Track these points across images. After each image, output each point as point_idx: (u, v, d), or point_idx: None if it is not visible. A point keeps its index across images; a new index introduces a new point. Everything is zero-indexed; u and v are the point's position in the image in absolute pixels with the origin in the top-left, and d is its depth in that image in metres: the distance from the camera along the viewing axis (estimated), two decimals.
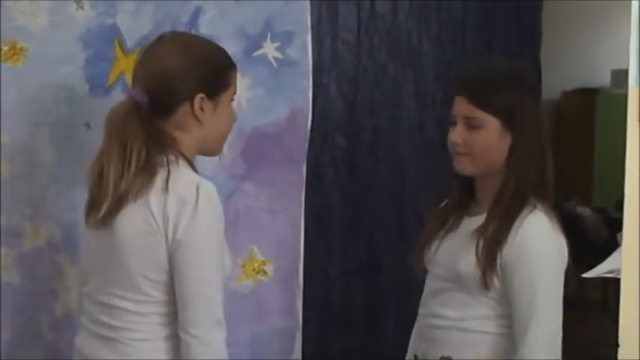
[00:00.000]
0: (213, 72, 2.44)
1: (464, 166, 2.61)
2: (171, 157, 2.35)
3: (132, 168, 2.30)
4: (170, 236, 2.29)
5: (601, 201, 8.62)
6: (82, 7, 2.82)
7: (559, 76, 8.75)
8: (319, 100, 3.86)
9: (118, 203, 2.31)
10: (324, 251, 4.09)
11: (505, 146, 2.56)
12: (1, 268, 2.79)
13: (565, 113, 9.58)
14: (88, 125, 2.81)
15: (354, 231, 4.19)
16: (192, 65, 2.40)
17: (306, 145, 3.20)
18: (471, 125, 2.56)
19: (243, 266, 3.13)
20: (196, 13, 2.99)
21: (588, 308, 7.15)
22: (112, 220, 2.33)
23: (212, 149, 2.54)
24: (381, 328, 4.22)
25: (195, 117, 2.41)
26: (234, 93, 2.53)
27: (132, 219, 2.32)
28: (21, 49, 2.75)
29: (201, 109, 2.41)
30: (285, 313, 3.23)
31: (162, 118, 2.39)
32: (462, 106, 2.58)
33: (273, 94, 3.12)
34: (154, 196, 2.30)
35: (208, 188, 2.33)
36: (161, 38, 2.47)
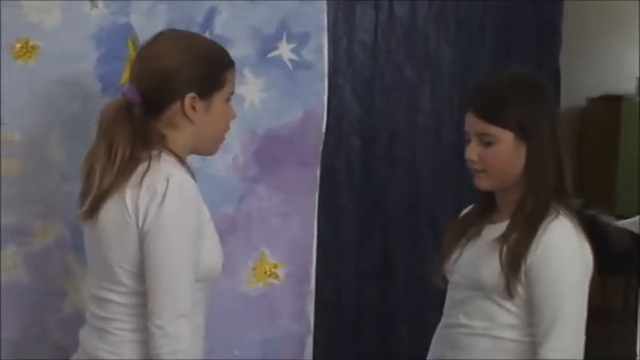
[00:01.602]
0: (206, 71, 2.43)
1: (482, 183, 2.60)
2: (154, 152, 2.37)
3: (116, 165, 2.34)
4: (140, 226, 2.32)
5: (624, 209, 8.56)
6: (95, 6, 2.81)
7: (584, 83, 8.72)
8: (334, 103, 3.84)
9: (100, 198, 2.36)
10: (336, 255, 4.08)
11: (521, 157, 2.55)
12: (0, 267, 2.79)
13: (590, 120, 9.54)
14: None
15: (368, 235, 4.17)
16: (186, 63, 2.40)
17: (321, 147, 3.18)
18: (485, 141, 2.55)
19: (254, 269, 3.12)
20: (211, 13, 2.97)
21: (610, 317, 7.11)
22: (96, 215, 2.38)
23: (206, 148, 2.55)
24: (393, 333, 4.19)
25: (186, 116, 2.41)
26: (232, 92, 2.52)
27: (110, 213, 2.35)
28: (33, 46, 2.74)
29: (193, 108, 2.41)
30: (296, 317, 3.21)
31: (154, 116, 2.41)
32: (473, 123, 2.58)
33: (288, 95, 3.09)
34: (129, 189, 2.33)
35: (179, 181, 2.34)
36: (158, 35, 2.48)
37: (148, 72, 2.40)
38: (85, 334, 2.50)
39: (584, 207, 7.38)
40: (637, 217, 6.86)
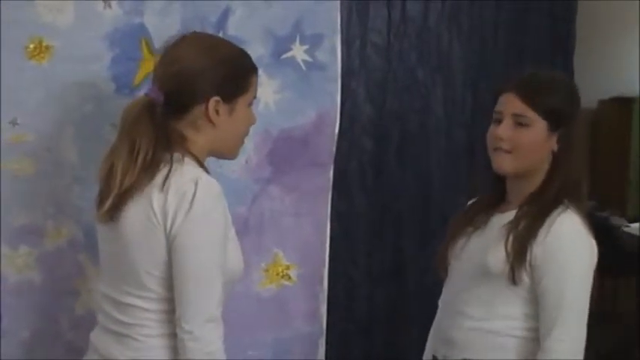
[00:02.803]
0: (231, 75, 2.42)
1: (504, 164, 2.61)
2: (177, 155, 2.36)
3: (138, 165, 2.31)
4: (168, 230, 2.29)
5: (636, 210, 8.54)
6: (109, 6, 2.80)
7: (595, 84, 8.69)
8: (347, 104, 3.84)
9: (122, 198, 2.32)
10: (349, 256, 4.07)
11: (548, 149, 2.59)
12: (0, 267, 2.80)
13: (601, 122, 9.51)
14: (113, 125, 2.77)
15: (380, 236, 4.16)
16: (211, 66, 2.38)
17: (334, 149, 3.18)
18: (519, 123, 2.57)
19: (267, 270, 3.11)
20: (225, 14, 2.97)
21: (623, 318, 7.09)
22: (117, 216, 2.35)
23: (227, 152, 2.53)
24: (405, 334, 4.18)
25: (209, 119, 2.40)
26: (254, 97, 2.51)
27: (135, 214, 2.32)
28: (47, 47, 2.74)
29: (217, 111, 2.40)
30: (309, 318, 3.21)
31: (176, 117, 2.39)
32: (511, 103, 2.59)
33: (302, 97, 3.10)
34: (156, 192, 2.30)
35: (208, 184, 2.32)
36: (183, 38, 2.46)
37: (172, 73, 2.38)
38: (100, 339, 2.46)
39: (595, 209, 7.36)
40: None
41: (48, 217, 2.81)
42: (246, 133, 2.53)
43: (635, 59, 9.03)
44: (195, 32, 2.55)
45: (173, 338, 2.33)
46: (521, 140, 2.57)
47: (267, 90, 3.02)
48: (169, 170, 2.31)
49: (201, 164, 2.41)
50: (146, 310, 2.35)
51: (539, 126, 2.56)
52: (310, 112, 3.11)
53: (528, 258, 2.51)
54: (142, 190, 2.31)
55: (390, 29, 4.12)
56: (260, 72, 2.96)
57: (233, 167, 3.00)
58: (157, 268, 2.32)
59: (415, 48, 4.18)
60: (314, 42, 3.09)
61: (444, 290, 2.76)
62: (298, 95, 3.09)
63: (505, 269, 2.52)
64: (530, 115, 2.56)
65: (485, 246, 2.61)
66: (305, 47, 3.08)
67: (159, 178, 2.31)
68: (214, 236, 2.31)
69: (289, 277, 3.14)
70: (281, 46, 3.05)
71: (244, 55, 2.49)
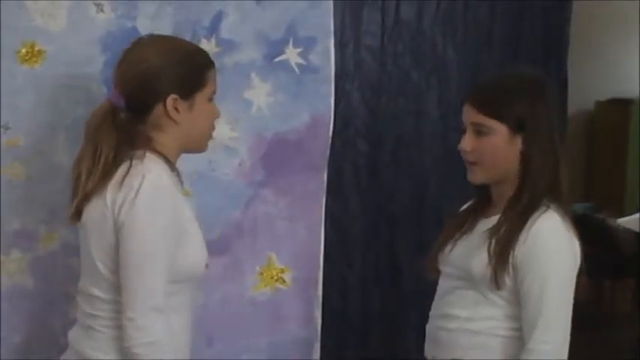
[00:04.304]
0: (187, 72, 2.46)
1: (475, 176, 2.63)
2: (139, 152, 2.41)
3: (99, 168, 2.39)
4: (115, 220, 2.35)
5: (633, 212, 8.56)
6: (101, 10, 2.80)
7: (592, 86, 8.70)
8: (341, 107, 3.82)
9: (84, 200, 2.41)
10: (343, 260, 4.05)
11: (515, 152, 2.56)
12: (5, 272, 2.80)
13: (598, 124, 9.53)
14: None
15: (375, 239, 4.15)
16: (166, 66, 2.43)
17: (328, 152, 3.17)
18: (479, 132, 2.56)
19: (261, 274, 3.11)
20: (218, 17, 2.96)
21: (620, 319, 7.10)
22: (81, 216, 2.43)
23: (195, 147, 2.57)
24: (400, 338, 4.17)
25: (170, 117, 2.44)
26: (214, 92, 2.53)
27: (93, 211, 2.40)
28: (39, 51, 2.74)
29: (176, 109, 2.44)
30: (304, 322, 3.21)
31: (140, 120, 2.45)
32: (468, 113, 2.60)
33: (295, 100, 3.09)
34: (110, 188, 2.37)
35: (156, 177, 2.37)
36: (139, 40, 2.51)
37: (130, 76, 2.43)
38: (74, 334, 2.52)
39: (593, 210, 7.36)
40: (637, 215, 6.84)
41: (40, 222, 2.81)
42: (211, 128, 2.56)
43: (633, 60, 9.05)
44: (150, 34, 2.59)
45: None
46: (484, 150, 2.56)
47: (260, 93, 3.02)
48: (128, 167, 2.37)
49: (167, 161, 2.46)
50: (105, 301, 2.41)
51: (499, 131, 2.54)
52: (304, 115, 3.11)
53: (511, 260, 2.51)
54: (101, 190, 2.38)
55: (384, 32, 4.11)
56: (253, 75, 2.99)
57: (226, 171, 3.00)
58: (108, 255, 2.38)
59: (409, 50, 4.17)
60: (307, 45, 3.09)
61: (436, 295, 2.76)
62: (292, 98, 3.08)
63: (487, 273, 2.52)
64: (488, 122, 2.54)
65: (469, 251, 2.62)
66: (298, 50, 3.08)
67: (118, 175, 2.37)
68: (158, 227, 2.35)
69: (284, 281, 3.13)
70: (274, 49, 3.04)
71: (199, 52, 2.54)
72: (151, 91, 2.42)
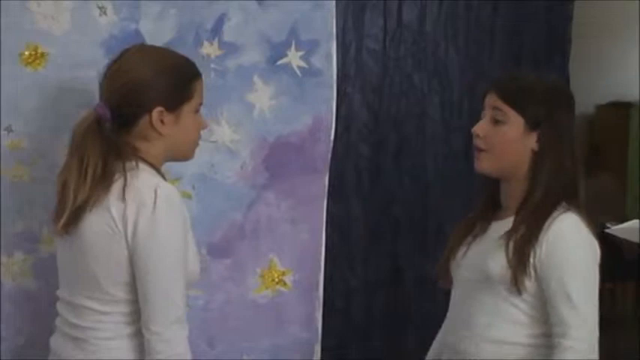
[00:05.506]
0: (173, 84, 2.44)
1: (482, 164, 2.62)
2: (130, 164, 2.39)
3: (88, 180, 2.36)
4: (130, 237, 2.34)
5: (634, 216, 8.54)
6: (104, 13, 2.81)
7: (592, 89, 8.69)
8: (343, 110, 3.83)
9: (77, 213, 2.37)
10: (345, 262, 4.06)
11: (526, 148, 2.57)
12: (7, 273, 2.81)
13: (598, 127, 9.51)
14: None
15: (376, 242, 4.15)
16: (152, 77, 2.41)
17: (329, 155, 3.17)
18: (496, 120, 2.57)
19: (263, 276, 3.11)
20: (221, 20, 2.97)
21: (622, 323, 7.09)
22: (73, 230, 2.39)
23: (181, 156, 2.57)
24: (402, 340, 4.17)
25: (155, 129, 2.43)
26: (200, 103, 2.52)
27: (95, 225, 2.36)
28: (42, 53, 2.75)
29: (161, 121, 2.43)
30: (305, 324, 3.20)
31: (125, 131, 2.43)
32: (490, 98, 2.60)
33: (297, 103, 3.09)
34: (113, 201, 2.35)
35: (167, 190, 2.37)
36: (126, 51, 2.49)
37: (116, 87, 2.42)
38: (59, 344, 2.52)
39: (595, 213, 7.33)
40: (629, 223, 6.79)
41: (43, 224, 2.81)
42: (196, 139, 2.55)
43: (633, 64, 9.03)
44: (138, 44, 2.60)
45: (133, 339, 2.39)
46: (496, 138, 2.57)
47: (262, 96, 3.02)
48: (125, 179, 2.35)
49: (157, 170, 2.46)
50: (102, 312, 2.40)
51: (515, 122, 2.55)
52: (306, 118, 3.11)
53: (531, 261, 2.49)
54: (100, 202, 2.35)
55: (386, 35, 4.12)
56: (255, 78, 2.99)
57: (228, 173, 3.00)
58: (117, 273, 2.37)
59: (411, 53, 4.17)
60: (309, 48, 3.09)
61: (451, 303, 2.74)
62: (294, 101, 3.08)
63: (506, 275, 2.51)
64: (506, 109, 2.56)
65: (484, 253, 2.59)
66: (300, 53, 3.08)
67: (116, 188, 2.35)
68: (176, 241, 2.36)
69: (285, 283, 3.13)
70: (276, 52, 3.05)
71: (186, 63, 2.52)
72: (136, 103, 2.41)
